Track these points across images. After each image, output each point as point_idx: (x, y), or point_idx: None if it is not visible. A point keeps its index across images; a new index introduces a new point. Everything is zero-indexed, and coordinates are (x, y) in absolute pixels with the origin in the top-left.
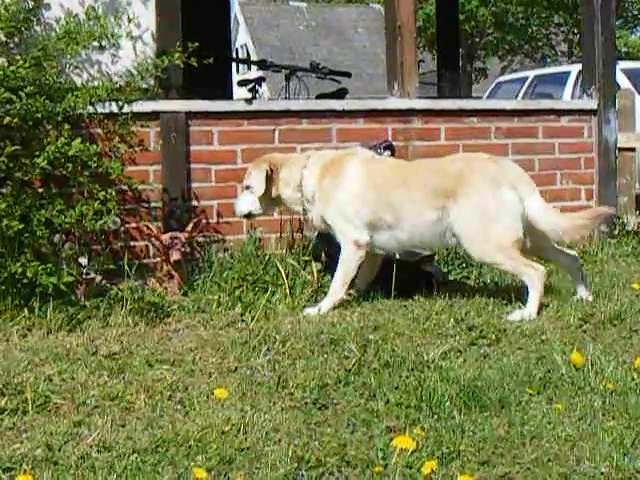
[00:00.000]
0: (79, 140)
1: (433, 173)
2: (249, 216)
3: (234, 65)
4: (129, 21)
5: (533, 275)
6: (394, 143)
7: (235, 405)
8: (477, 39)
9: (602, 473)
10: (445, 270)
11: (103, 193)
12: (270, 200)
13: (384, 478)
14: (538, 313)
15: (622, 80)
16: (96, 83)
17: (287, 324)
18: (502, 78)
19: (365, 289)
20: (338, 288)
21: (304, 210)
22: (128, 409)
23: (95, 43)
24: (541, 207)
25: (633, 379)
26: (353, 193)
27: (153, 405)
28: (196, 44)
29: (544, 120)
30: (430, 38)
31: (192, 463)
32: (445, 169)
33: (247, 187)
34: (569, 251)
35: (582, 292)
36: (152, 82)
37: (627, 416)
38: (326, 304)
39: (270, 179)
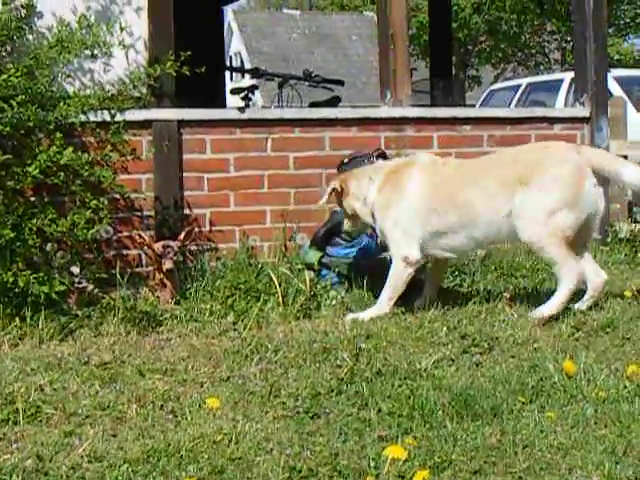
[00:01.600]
0: (71, 149)
1: (506, 164)
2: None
3: (228, 73)
4: (121, 29)
5: (574, 269)
6: (387, 152)
7: (227, 415)
8: (470, 47)
9: None
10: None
11: (95, 202)
12: (351, 216)
13: None
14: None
15: (614, 88)
16: (88, 92)
17: (280, 333)
18: (495, 86)
19: (433, 296)
20: (384, 302)
21: (374, 219)
22: (120, 419)
23: (87, 52)
24: (634, 171)
25: (625, 387)
26: (414, 204)
27: (145, 415)
28: (188, 53)
29: (537, 128)
30: (424, 46)
31: (183, 473)
32: (520, 158)
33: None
34: (599, 269)
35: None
36: (144, 91)
37: (619, 424)
38: (369, 314)
39: (341, 195)
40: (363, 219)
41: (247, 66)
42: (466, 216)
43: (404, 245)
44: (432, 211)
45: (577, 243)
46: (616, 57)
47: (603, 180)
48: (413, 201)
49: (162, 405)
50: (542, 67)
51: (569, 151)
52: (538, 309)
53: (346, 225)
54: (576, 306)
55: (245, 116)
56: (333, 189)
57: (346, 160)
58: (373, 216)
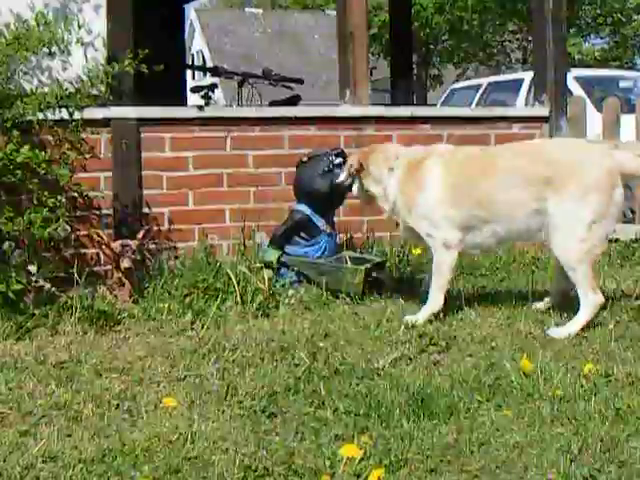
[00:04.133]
0: (28, 147)
1: (532, 159)
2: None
3: (189, 72)
4: (79, 27)
5: (593, 300)
6: (346, 150)
7: (183, 414)
8: (432, 46)
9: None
10: (397, 277)
11: (53, 200)
12: (366, 193)
13: None
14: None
15: (575, 87)
16: (46, 89)
17: (237, 332)
18: (456, 85)
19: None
20: (436, 295)
21: (391, 210)
22: (75, 418)
23: (45, 49)
24: None
25: (582, 386)
26: (436, 196)
27: (101, 414)
28: (147, 51)
29: (496, 127)
30: (385, 45)
31: (138, 473)
32: (548, 156)
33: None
34: None
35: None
36: (103, 89)
37: (575, 422)
38: (425, 313)
39: (364, 172)
40: (379, 204)
41: (209, 64)
42: (488, 211)
43: (440, 230)
44: (454, 204)
45: None
46: (577, 57)
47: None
48: (440, 191)
49: (118, 404)
50: (504, 66)
51: (603, 156)
52: (555, 330)
53: (356, 193)
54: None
55: (204, 114)
56: (352, 166)
57: (305, 159)
58: (391, 207)
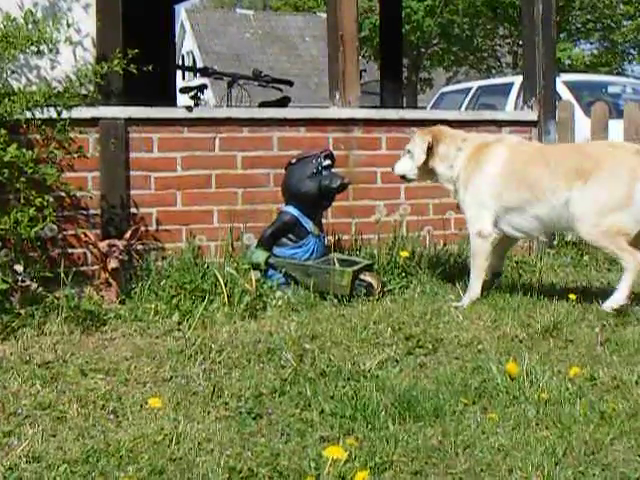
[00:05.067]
0: (15, 145)
1: (572, 154)
2: (404, 177)
3: (179, 72)
4: (68, 26)
5: (631, 262)
6: (335, 152)
7: (169, 415)
8: (423, 50)
9: None
10: (384, 279)
11: (40, 199)
12: (426, 170)
13: None
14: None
15: (564, 92)
16: (34, 88)
17: (224, 333)
18: (446, 89)
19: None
20: (474, 283)
21: (455, 190)
22: (60, 419)
23: (33, 47)
24: None
25: (567, 389)
26: (494, 176)
27: (86, 415)
28: (136, 51)
29: (485, 130)
30: (376, 48)
31: (123, 474)
32: (585, 151)
33: (408, 151)
34: None
35: None
36: (92, 88)
37: (560, 426)
38: (466, 300)
39: (430, 151)
40: (441, 181)
41: (199, 65)
42: (534, 195)
43: (479, 219)
44: (506, 187)
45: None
46: (567, 62)
47: None
48: (500, 172)
49: (103, 405)
50: (494, 70)
51: (628, 152)
52: (609, 300)
53: (407, 170)
54: None
55: (193, 115)
56: (425, 144)
57: (294, 160)
58: (453, 183)
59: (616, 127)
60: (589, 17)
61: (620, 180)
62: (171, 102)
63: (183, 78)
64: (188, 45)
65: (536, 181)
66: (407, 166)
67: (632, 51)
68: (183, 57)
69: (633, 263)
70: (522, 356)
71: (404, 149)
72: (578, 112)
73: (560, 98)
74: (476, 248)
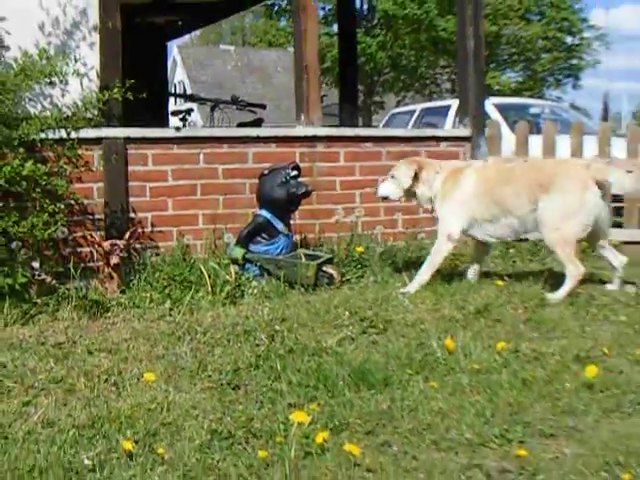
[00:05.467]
0: (32, 162)
1: (532, 172)
2: (385, 199)
3: (172, 98)
4: (76, 61)
5: (574, 272)
6: (301, 164)
7: (161, 386)
8: (376, 78)
9: (467, 439)
10: (343, 271)
11: (52, 207)
12: (407, 192)
13: (284, 446)
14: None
15: (493, 113)
16: (47, 113)
17: (208, 317)
18: (395, 110)
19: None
20: (425, 272)
21: (432, 207)
22: (70, 391)
23: (46, 79)
24: (620, 177)
25: (495, 360)
26: (468, 194)
27: (91, 387)
28: (133, 81)
29: (427, 145)
30: (336, 76)
31: (122, 436)
32: (543, 168)
33: (392, 176)
34: (617, 254)
35: (616, 285)
36: (96, 112)
37: (489, 391)
38: (414, 285)
39: (414, 177)
40: (419, 200)
41: (189, 92)
42: (503, 208)
43: (450, 225)
44: (478, 204)
45: (592, 241)
46: (496, 87)
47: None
48: (472, 190)
49: (106, 379)
50: (435, 95)
51: (579, 167)
52: (551, 294)
53: (390, 192)
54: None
55: (181, 134)
56: (411, 173)
57: (266, 172)
58: (431, 200)
59: (536, 142)
60: (514, 50)
61: (574, 191)
62: (164, 123)
63: (175, 103)
64: (179, 75)
65: (502, 199)
66: (391, 189)
67: (549, 78)
68: (175, 86)
69: (575, 272)
70: (458, 334)
71: (388, 174)
72: (505, 130)
73: (489, 118)
74: (441, 247)
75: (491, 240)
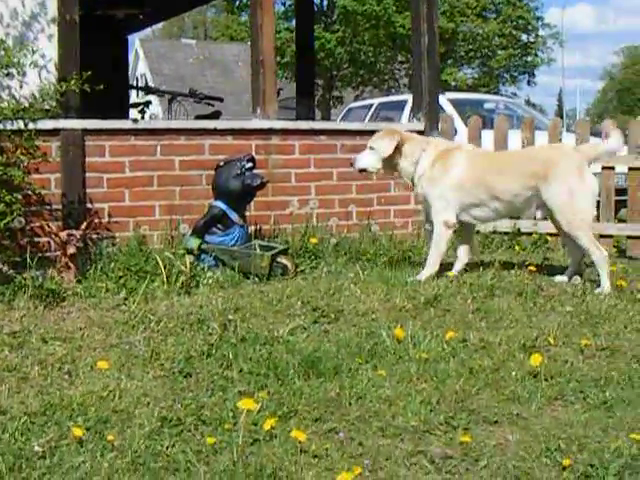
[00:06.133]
0: None
1: (525, 159)
2: (364, 171)
3: (134, 91)
4: (34, 52)
5: (601, 256)
6: (256, 157)
7: (114, 374)
8: (335, 73)
9: (412, 426)
10: (297, 261)
11: (9, 197)
12: (388, 164)
13: (232, 433)
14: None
15: (448, 107)
16: (5, 104)
17: (163, 306)
18: (352, 104)
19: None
20: (433, 262)
21: (413, 183)
22: (23, 379)
23: (4, 71)
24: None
25: (443, 349)
26: (458, 179)
27: (45, 375)
28: (89, 73)
29: None
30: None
31: (73, 423)
32: (535, 156)
33: (371, 148)
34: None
35: (577, 279)
36: (54, 104)
37: (436, 379)
38: (425, 274)
39: (396, 148)
40: (401, 175)
41: (151, 85)
42: (491, 194)
43: (444, 211)
44: (469, 188)
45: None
46: (453, 83)
47: None
48: (462, 175)
49: (60, 367)
50: (394, 90)
51: (570, 151)
52: (598, 289)
53: (369, 164)
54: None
55: (138, 126)
56: (393, 142)
57: (222, 163)
58: (413, 179)
59: (489, 136)
60: (471, 47)
61: (575, 174)
62: (125, 116)
63: (137, 96)
64: (141, 68)
65: (493, 185)
66: (371, 160)
67: (505, 75)
68: (137, 78)
69: (602, 256)
70: (408, 323)
71: (367, 146)
72: (460, 124)
73: (444, 112)
74: (441, 234)
75: (474, 222)
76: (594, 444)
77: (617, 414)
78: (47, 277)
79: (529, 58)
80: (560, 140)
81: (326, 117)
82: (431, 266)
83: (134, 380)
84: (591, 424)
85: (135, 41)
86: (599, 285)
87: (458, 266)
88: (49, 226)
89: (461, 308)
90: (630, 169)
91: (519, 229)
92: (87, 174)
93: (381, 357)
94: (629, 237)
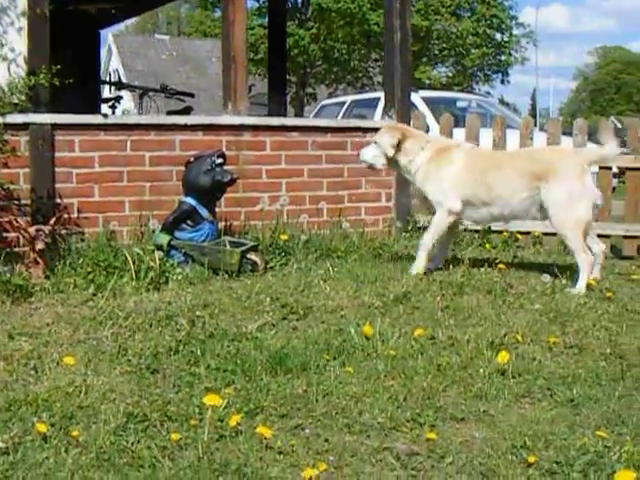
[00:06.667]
0: None
1: (526, 160)
2: (370, 166)
3: (107, 86)
4: (2, 46)
5: (586, 260)
6: (227, 153)
7: (80, 370)
8: (309, 69)
9: (379, 423)
10: (267, 258)
11: None
12: (389, 159)
13: (198, 429)
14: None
15: (421, 105)
16: None
17: (131, 302)
18: (326, 102)
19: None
20: (428, 242)
21: (413, 179)
22: None
23: None
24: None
25: (412, 347)
26: (455, 176)
27: (10, 371)
28: (59, 67)
29: (352, 136)
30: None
31: (37, 419)
32: (537, 157)
33: (375, 142)
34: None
35: (596, 274)
36: (23, 98)
37: (404, 376)
38: (420, 260)
39: (398, 145)
40: (401, 170)
41: (123, 81)
42: (488, 194)
43: (448, 200)
44: (466, 185)
45: None
46: (427, 81)
47: None
48: (459, 173)
49: (26, 363)
50: (367, 87)
51: (571, 154)
52: (573, 288)
53: (372, 159)
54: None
55: (108, 121)
56: (394, 140)
57: (192, 159)
58: (411, 173)
59: (461, 134)
60: (445, 45)
61: (576, 177)
62: (96, 111)
63: (110, 91)
64: (114, 64)
65: (492, 185)
66: (373, 154)
67: (479, 73)
68: (110, 74)
69: (587, 260)
70: (376, 320)
71: (372, 141)
72: (433, 122)
73: (416, 109)
74: (442, 219)
75: (469, 222)
76: (560, 441)
77: (584, 411)
78: (15, 272)
79: (503, 57)
80: (531, 138)
81: (299, 114)
82: (425, 247)
83: (100, 376)
84: (557, 421)
85: (108, 36)
86: (575, 285)
87: (431, 266)
88: (17, 221)
89: (430, 305)
90: (629, 169)
91: (489, 227)
92: (56, 169)
93: (349, 354)
94: (625, 237)
